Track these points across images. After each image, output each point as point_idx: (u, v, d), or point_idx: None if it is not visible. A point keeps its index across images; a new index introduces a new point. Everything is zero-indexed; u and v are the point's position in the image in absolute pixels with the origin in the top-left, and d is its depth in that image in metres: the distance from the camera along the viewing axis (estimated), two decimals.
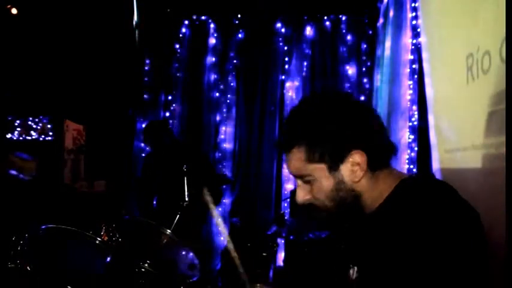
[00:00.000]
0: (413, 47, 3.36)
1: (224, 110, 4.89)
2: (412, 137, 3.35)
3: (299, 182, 1.08)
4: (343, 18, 4.74)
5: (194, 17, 4.94)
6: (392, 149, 1.07)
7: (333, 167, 1.01)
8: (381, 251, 0.96)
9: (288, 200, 4.42)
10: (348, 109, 1.01)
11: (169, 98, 4.92)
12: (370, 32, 4.60)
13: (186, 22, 4.95)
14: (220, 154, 4.84)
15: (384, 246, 0.96)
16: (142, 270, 1.75)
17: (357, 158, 0.99)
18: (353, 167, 1.00)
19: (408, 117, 3.35)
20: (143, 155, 4.73)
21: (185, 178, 2.38)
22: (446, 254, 0.86)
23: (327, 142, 0.99)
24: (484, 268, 0.90)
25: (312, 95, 1.11)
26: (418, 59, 3.26)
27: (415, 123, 3.35)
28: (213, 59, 4.91)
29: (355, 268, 1.09)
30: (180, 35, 4.94)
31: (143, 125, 4.78)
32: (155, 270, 1.77)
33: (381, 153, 1.03)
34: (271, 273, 3.54)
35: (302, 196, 1.07)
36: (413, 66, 3.36)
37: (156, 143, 3.52)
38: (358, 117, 1.01)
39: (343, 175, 1.01)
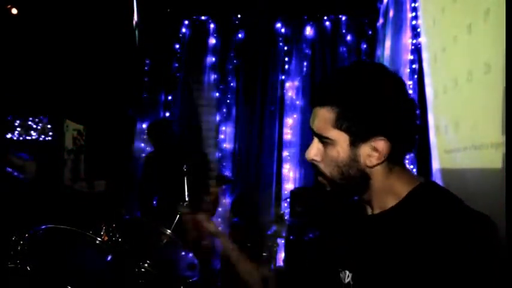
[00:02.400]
0: (413, 47, 3.36)
1: (224, 110, 4.89)
2: None
3: (316, 139, 1.03)
4: (343, 18, 4.74)
5: (194, 17, 4.94)
6: (414, 145, 1.01)
7: (354, 143, 0.97)
8: (394, 258, 0.92)
9: (288, 200, 4.41)
10: (393, 95, 0.96)
11: (169, 98, 4.92)
12: (370, 32, 4.60)
13: (186, 22, 4.95)
14: (220, 154, 4.84)
15: (400, 254, 0.92)
16: (142, 270, 1.75)
17: (379, 144, 0.95)
18: (372, 152, 0.97)
19: None
20: (143, 154, 4.74)
21: (185, 178, 2.38)
22: (474, 273, 0.84)
23: (360, 118, 0.95)
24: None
25: (368, 65, 1.03)
26: (418, 59, 3.26)
27: None
28: (213, 59, 4.91)
29: (347, 272, 1.05)
30: (180, 35, 4.94)
31: (143, 125, 4.80)
32: (155, 270, 1.77)
33: (404, 147, 1.00)
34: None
35: (313, 154, 1.02)
36: (413, 66, 3.37)
37: (158, 143, 3.52)
38: (398, 106, 0.96)
39: (360, 154, 0.97)
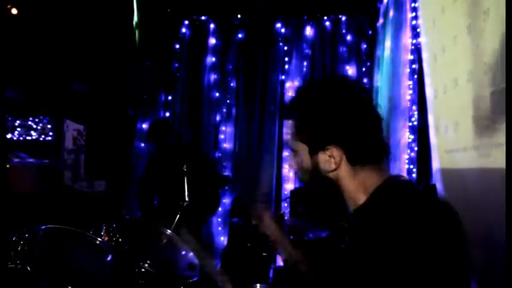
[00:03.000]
0: (413, 47, 3.36)
1: (224, 110, 4.89)
2: (412, 137, 3.35)
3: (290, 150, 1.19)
4: (343, 18, 4.74)
5: (194, 17, 4.94)
6: (380, 149, 1.11)
7: (312, 152, 1.10)
8: (360, 248, 1.01)
9: (288, 200, 4.42)
10: (342, 103, 1.07)
11: (169, 98, 4.93)
12: (370, 32, 4.60)
13: (186, 22, 4.95)
14: (220, 154, 4.84)
15: (362, 243, 1.00)
16: (142, 270, 1.75)
17: (333, 152, 1.07)
18: (329, 158, 1.08)
19: (408, 117, 3.35)
20: (143, 154, 4.74)
21: (185, 178, 2.38)
22: (416, 255, 0.91)
23: (311, 129, 1.09)
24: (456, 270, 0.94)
25: (321, 79, 1.20)
26: (418, 59, 3.26)
27: (415, 123, 3.35)
28: (213, 59, 4.91)
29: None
30: (180, 35, 4.94)
31: (143, 125, 4.80)
32: (155, 270, 1.77)
33: (362, 151, 1.08)
34: (271, 273, 3.54)
35: (289, 162, 1.25)
36: (413, 66, 3.36)
37: (159, 143, 3.53)
38: (349, 113, 1.06)
39: (319, 161, 1.09)
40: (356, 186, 1.09)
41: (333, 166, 1.08)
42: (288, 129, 1.15)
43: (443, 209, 1.01)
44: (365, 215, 1.05)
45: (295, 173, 1.22)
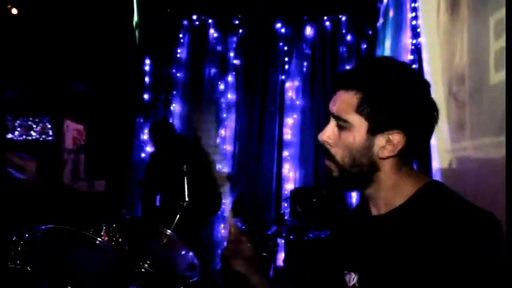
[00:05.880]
0: (413, 47, 3.36)
1: (224, 110, 4.89)
2: None
3: (332, 122, 1.02)
4: (343, 18, 4.74)
5: (194, 17, 4.94)
6: (427, 145, 1.04)
7: (372, 131, 0.97)
8: (402, 258, 0.92)
9: (288, 200, 4.41)
10: (416, 93, 0.97)
11: (170, 98, 4.92)
12: (370, 32, 4.60)
13: (186, 22, 4.95)
14: (220, 154, 4.84)
15: (407, 254, 0.92)
16: (142, 270, 1.75)
17: (395, 137, 0.96)
18: (387, 143, 0.97)
19: None
20: (143, 154, 4.74)
21: (185, 178, 2.38)
22: (479, 271, 0.85)
23: (382, 107, 0.96)
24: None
25: (398, 61, 1.03)
26: (418, 59, 3.26)
27: None
28: (213, 58, 4.91)
29: (353, 274, 1.04)
30: (180, 35, 4.94)
31: (143, 125, 4.80)
32: (155, 270, 1.77)
33: (418, 145, 1.00)
34: (271, 273, 3.54)
35: (327, 135, 1.02)
36: (413, 66, 3.36)
37: (160, 143, 3.53)
38: (420, 104, 0.97)
39: (375, 144, 0.98)
40: (395, 183, 0.99)
41: (387, 153, 0.97)
42: (341, 99, 0.99)
43: (492, 219, 0.92)
44: (405, 220, 0.96)
45: (323, 152, 1.03)
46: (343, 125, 0.99)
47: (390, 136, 0.96)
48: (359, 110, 0.97)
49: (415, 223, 0.94)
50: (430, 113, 0.98)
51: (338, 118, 1.00)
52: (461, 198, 0.96)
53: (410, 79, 0.98)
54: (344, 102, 0.99)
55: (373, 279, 0.99)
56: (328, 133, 1.02)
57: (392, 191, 1.00)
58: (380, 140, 0.97)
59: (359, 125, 0.97)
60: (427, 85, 1.00)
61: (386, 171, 0.99)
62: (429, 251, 0.89)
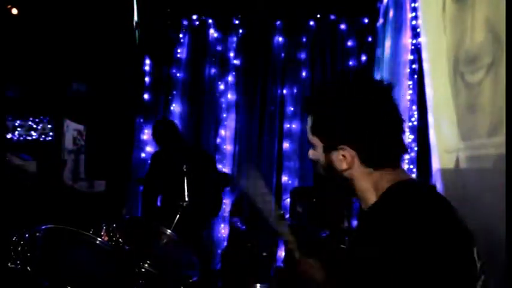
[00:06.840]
0: (413, 47, 3.36)
1: (224, 110, 4.89)
2: (412, 137, 3.35)
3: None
4: (343, 18, 4.74)
5: (194, 17, 4.94)
6: (395, 151, 1.11)
7: (326, 150, 1.11)
8: (366, 247, 1.03)
9: (288, 200, 4.42)
10: (358, 106, 1.06)
11: (170, 98, 4.92)
12: (370, 32, 4.60)
13: (186, 22, 4.95)
14: (220, 155, 4.84)
15: (369, 242, 1.02)
16: (143, 270, 1.75)
17: (346, 152, 1.08)
18: (341, 158, 1.09)
19: (408, 117, 3.35)
20: (143, 154, 4.74)
21: (185, 178, 2.38)
22: (422, 253, 0.92)
23: (326, 128, 1.10)
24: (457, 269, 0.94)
25: (341, 77, 1.18)
26: (418, 59, 3.26)
27: (415, 123, 3.35)
28: (213, 58, 4.91)
29: None
30: (180, 35, 4.94)
31: (143, 125, 4.80)
32: (155, 270, 1.77)
33: (375, 154, 1.08)
34: (271, 273, 3.54)
35: (310, 153, 1.18)
36: (413, 66, 3.37)
37: (163, 143, 3.53)
38: (364, 115, 1.05)
39: (333, 159, 1.11)
40: (368, 186, 1.10)
41: (345, 166, 1.09)
42: (308, 122, 1.15)
43: (449, 208, 1.02)
44: (374, 215, 1.07)
45: (313, 165, 1.21)
46: (311, 144, 1.16)
47: (342, 152, 1.09)
48: (315, 132, 1.13)
49: (377, 214, 1.05)
50: (379, 123, 1.06)
51: (308, 139, 1.17)
52: (415, 194, 1.05)
53: (356, 99, 1.07)
54: (308, 125, 1.15)
55: (356, 269, 1.07)
56: (310, 151, 1.18)
57: (368, 192, 1.11)
58: (336, 156, 1.10)
59: (318, 144, 1.13)
60: (379, 97, 1.08)
61: (358, 178, 1.11)
62: (377, 232, 1.00)
